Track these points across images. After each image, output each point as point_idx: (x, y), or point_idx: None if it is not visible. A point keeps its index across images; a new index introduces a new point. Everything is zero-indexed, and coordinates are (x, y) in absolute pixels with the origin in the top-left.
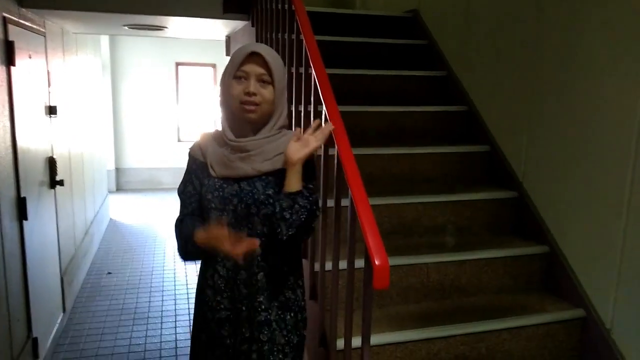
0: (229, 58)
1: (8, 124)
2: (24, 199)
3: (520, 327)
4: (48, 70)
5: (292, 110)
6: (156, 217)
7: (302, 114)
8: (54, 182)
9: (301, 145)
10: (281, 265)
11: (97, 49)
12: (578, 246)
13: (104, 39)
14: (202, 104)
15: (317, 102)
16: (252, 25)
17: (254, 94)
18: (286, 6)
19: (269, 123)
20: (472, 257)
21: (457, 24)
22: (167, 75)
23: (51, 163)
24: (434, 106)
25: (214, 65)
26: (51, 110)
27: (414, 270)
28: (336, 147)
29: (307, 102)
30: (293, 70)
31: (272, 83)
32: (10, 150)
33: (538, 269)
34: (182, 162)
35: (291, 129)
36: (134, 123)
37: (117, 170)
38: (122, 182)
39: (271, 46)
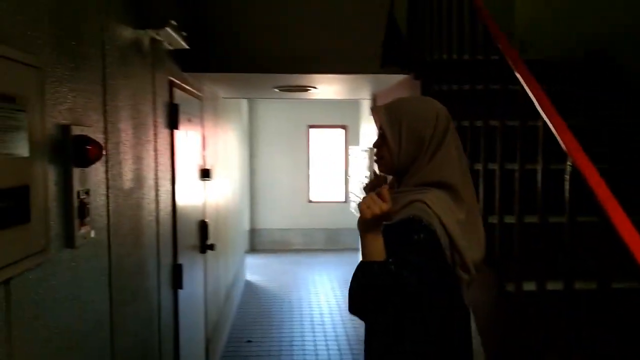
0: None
1: (170, 187)
2: (180, 266)
3: None
4: (203, 134)
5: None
6: (288, 279)
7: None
8: (204, 247)
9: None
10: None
11: (239, 113)
12: None
13: (244, 104)
14: (333, 165)
15: (552, 156)
16: (416, 78)
17: (375, 148)
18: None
19: (404, 178)
20: None
21: None
22: (299, 138)
23: (203, 227)
24: None
25: (345, 127)
26: (205, 174)
27: None
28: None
29: (526, 157)
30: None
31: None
32: (170, 215)
33: None
34: (312, 223)
35: (441, 188)
36: (267, 184)
37: (252, 230)
38: (255, 243)
39: (443, 97)
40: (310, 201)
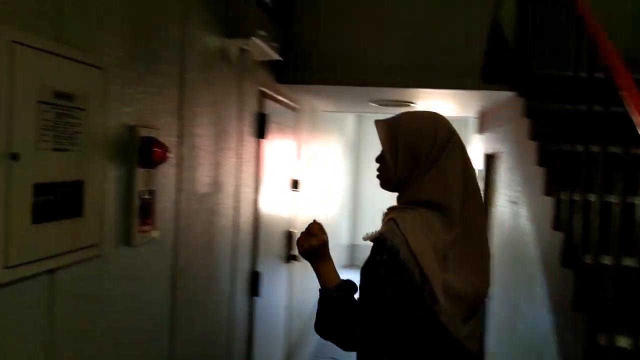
0: (481, 137)
1: (252, 195)
2: (257, 273)
3: None
4: (297, 145)
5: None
6: None
7: None
8: (289, 257)
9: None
10: None
11: (342, 127)
12: None
13: (351, 118)
14: None
15: None
16: (520, 96)
17: (377, 163)
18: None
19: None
20: None
21: None
22: None
23: (289, 237)
24: None
25: None
26: (295, 184)
27: None
28: None
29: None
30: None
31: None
32: (251, 222)
33: None
34: None
35: (429, 207)
36: (371, 199)
37: (352, 245)
38: (355, 258)
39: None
40: None
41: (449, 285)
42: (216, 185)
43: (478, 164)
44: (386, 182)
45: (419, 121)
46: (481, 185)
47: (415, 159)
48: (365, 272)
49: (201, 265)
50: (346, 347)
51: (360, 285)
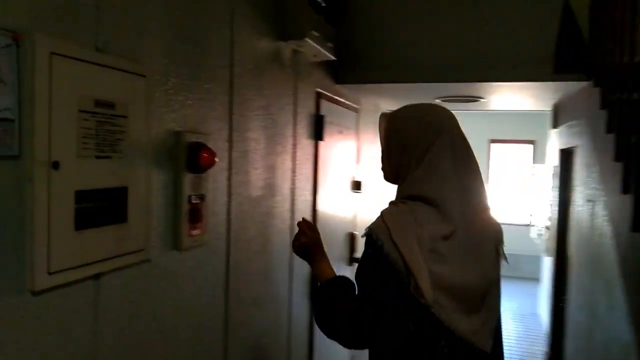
0: (556, 131)
1: (310, 198)
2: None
3: None
4: (358, 147)
5: None
6: None
7: None
8: (352, 259)
9: None
10: None
11: None
12: None
13: None
14: (516, 184)
15: None
16: (595, 85)
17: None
18: None
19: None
20: None
21: None
22: (478, 153)
23: (351, 239)
24: None
25: (533, 142)
26: (357, 186)
27: None
28: None
29: None
30: None
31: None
32: (309, 221)
33: None
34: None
35: (422, 201)
36: None
37: None
38: None
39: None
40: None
41: (441, 278)
42: (270, 188)
43: (553, 160)
44: (385, 173)
45: (411, 110)
46: (556, 182)
47: (405, 150)
48: (358, 267)
49: (255, 268)
50: (347, 344)
51: (355, 280)
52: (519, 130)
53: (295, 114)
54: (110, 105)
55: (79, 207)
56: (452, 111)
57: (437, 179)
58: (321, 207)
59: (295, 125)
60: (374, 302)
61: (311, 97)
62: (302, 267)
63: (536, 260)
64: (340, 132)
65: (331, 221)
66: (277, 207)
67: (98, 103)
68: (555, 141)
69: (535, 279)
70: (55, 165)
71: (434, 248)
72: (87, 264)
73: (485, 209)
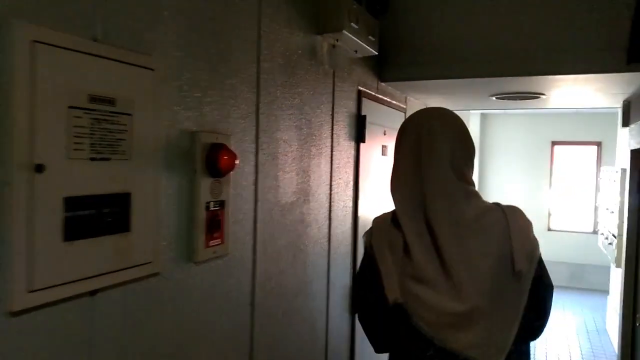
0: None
1: (350, 204)
2: None
3: None
4: None
5: None
6: None
7: None
8: None
9: None
10: None
11: None
12: None
13: (475, 116)
14: (581, 188)
15: None
16: None
17: None
18: None
19: None
20: None
21: None
22: (539, 155)
23: None
24: None
25: (598, 144)
26: None
27: None
28: None
29: None
30: None
31: None
32: (350, 229)
33: None
34: (552, 255)
35: None
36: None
37: None
38: None
39: None
40: (550, 229)
41: (410, 286)
42: (304, 194)
43: (623, 162)
44: None
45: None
46: (627, 186)
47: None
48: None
49: (286, 281)
50: (375, 349)
51: None
52: (583, 131)
53: (333, 113)
54: (109, 101)
55: (69, 216)
56: (510, 110)
57: (397, 182)
58: (363, 214)
59: (333, 126)
60: (365, 302)
61: (352, 96)
62: (343, 279)
63: (604, 271)
64: (386, 134)
65: None
66: (311, 214)
67: (93, 99)
68: (625, 141)
69: (603, 291)
70: (39, 168)
71: (405, 249)
72: (80, 280)
73: (467, 196)
